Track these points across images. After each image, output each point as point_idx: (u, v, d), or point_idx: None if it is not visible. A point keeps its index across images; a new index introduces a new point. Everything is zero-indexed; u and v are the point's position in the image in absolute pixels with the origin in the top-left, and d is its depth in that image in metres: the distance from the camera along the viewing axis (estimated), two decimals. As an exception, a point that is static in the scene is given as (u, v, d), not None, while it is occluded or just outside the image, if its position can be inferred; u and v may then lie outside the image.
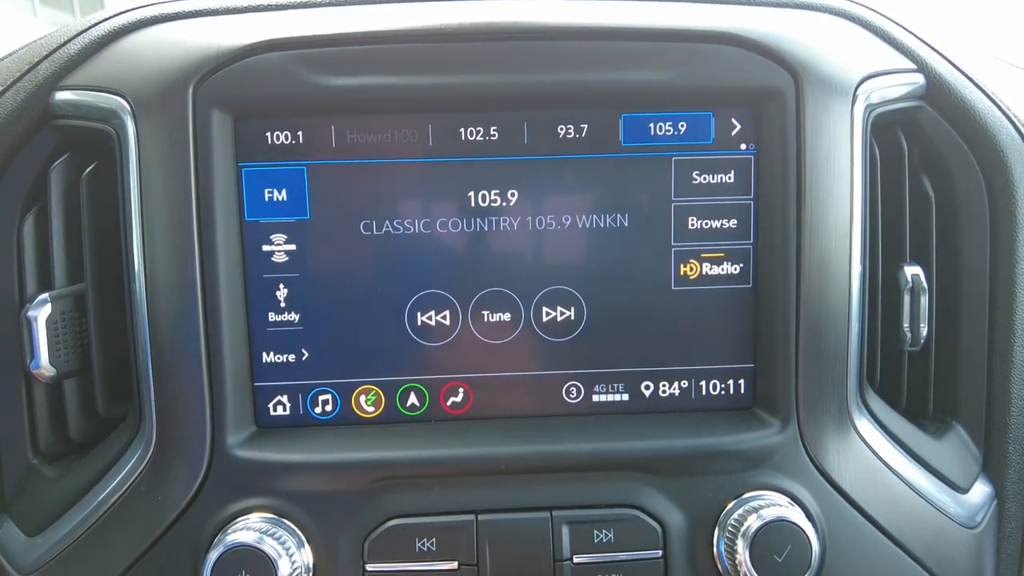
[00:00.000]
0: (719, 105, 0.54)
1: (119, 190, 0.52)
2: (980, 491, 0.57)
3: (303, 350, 0.55)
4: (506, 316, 0.55)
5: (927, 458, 0.56)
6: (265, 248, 0.54)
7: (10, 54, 0.57)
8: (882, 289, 0.57)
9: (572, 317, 0.55)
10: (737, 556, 0.51)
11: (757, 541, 0.50)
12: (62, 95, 0.54)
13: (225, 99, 0.52)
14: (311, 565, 0.52)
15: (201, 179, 0.51)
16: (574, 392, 0.56)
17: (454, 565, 0.52)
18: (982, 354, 0.57)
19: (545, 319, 0.55)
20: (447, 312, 0.55)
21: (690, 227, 0.55)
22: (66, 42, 0.55)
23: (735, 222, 0.55)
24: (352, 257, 0.54)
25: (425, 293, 0.55)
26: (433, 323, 0.55)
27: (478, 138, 0.54)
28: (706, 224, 0.55)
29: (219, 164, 0.52)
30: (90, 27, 0.55)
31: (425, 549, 0.52)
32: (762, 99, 0.53)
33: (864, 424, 0.55)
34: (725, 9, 0.55)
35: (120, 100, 0.52)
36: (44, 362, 0.53)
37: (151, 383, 0.52)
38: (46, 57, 0.54)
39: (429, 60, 0.52)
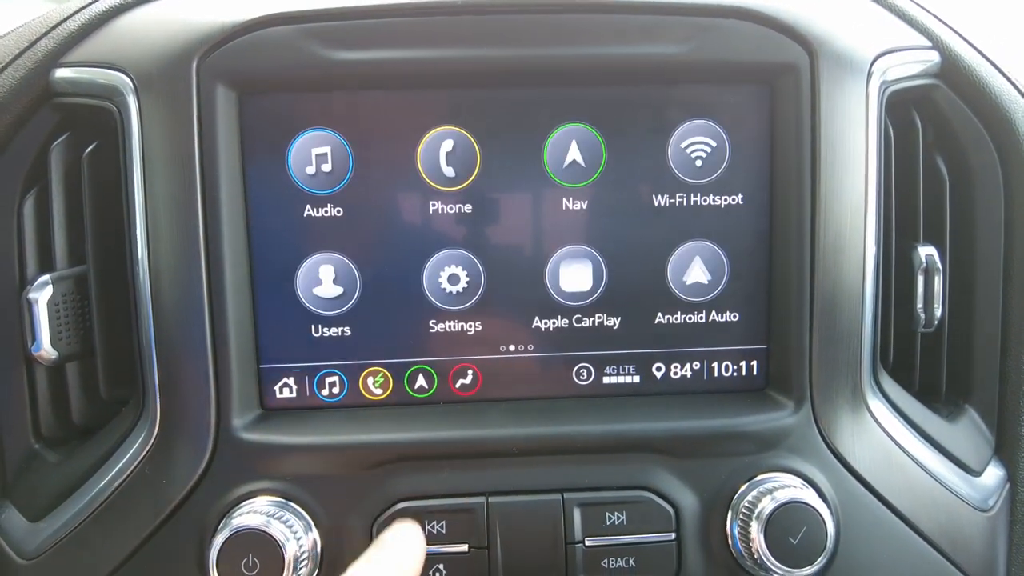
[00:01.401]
0: (734, 80, 0.53)
1: (121, 169, 0.51)
2: (993, 474, 0.57)
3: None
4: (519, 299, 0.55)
5: (940, 440, 0.56)
6: (271, 228, 0.53)
7: (9, 32, 0.56)
8: (896, 270, 0.56)
9: (586, 301, 0.55)
10: (751, 538, 0.50)
11: (771, 523, 0.50)
12: (62, 72, 0.53)
13: (230, 74, 0.50)
14: (319, 549, 0.51)
15: (205, 157, 0.50)
16: (584, 374, 0.56)
17: (464, 548, 0.51)
18: (996, 336, 0.57)
19: (558, 302, 0.55)
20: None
21: None
22: (66, 18, 0.54)
23: (748, 201, 0.55)
24: (360, 237, 0.53)
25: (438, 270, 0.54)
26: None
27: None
28: None
29: (223, 141, 0.51)
30: (91, 3, 0.54)
31: (435, 532, 0.51)
32: (776, 75, 0.53)
33: (878, 406, 0.55)
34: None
35: (122, 76, 0.51)
36: (46, 345, 0.52)
37: (154, 366, 0.51)
38: (45, 34, 0.53)
39: (439, 34, 0.51)
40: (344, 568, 0.45)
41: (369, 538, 0.52)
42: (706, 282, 0.55)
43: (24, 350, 0.53)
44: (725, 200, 0.54)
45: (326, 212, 0.53)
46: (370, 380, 0.55)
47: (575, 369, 0.56)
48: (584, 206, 0.54)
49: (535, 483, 0.52)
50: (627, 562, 0.52)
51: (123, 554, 0.52)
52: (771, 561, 0.50)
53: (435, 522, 0.51)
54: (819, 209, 0.52)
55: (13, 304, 0.53)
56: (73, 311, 0.54)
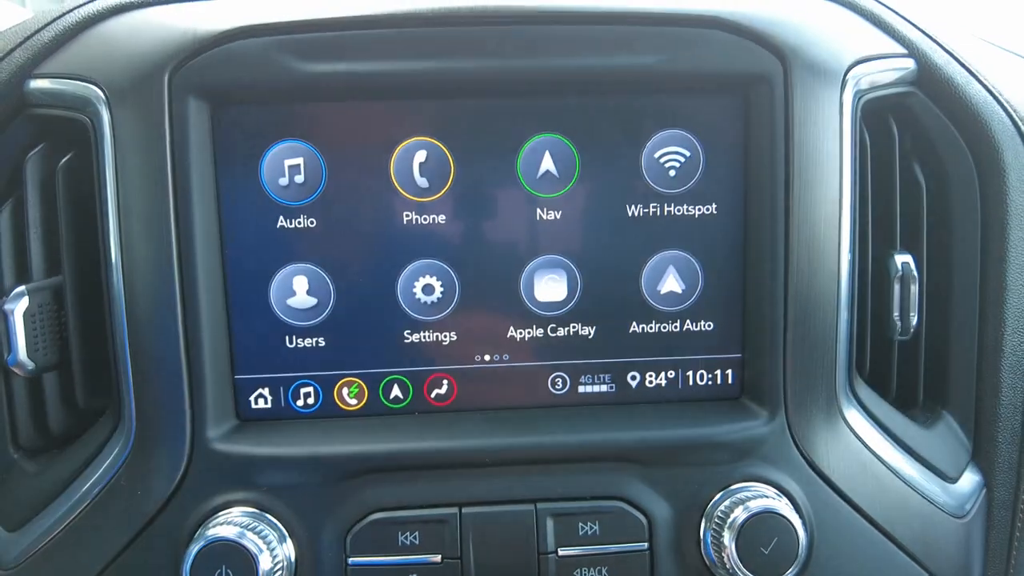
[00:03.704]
0: (707, 90, 0.53)
1: (95, 180, 0.51)
2: (969, 480, 0.57)
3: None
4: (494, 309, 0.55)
5: (916, 448, 0.56)
6: (245, 239, 0.53)
7: (-17, 42, 0.56)
8: (872, 277, 0.56)
9: (560, 310, 0.55)
10: (723, 548, 0.50)
11: (744, 533, 0.50)
12: (36, 83, 0.53)
13: (202, 87, 0.50)
14: (293, 560, 0.52)
15: (178, 169, 0.50)
16: (560, 383, 0.56)
17: (437, 558, 0.52)
18: (972, 343, 0.57)
19: (533, 312, 0.55)
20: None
21: None
22: (40, 29, 0.54)
23: (722, 210, 0.54)
24: (334, 248, 0.53)
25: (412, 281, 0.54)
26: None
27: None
28: None
29: (196, 153, 0.51)
30: (64, 13, 0.54)
31: (408, 543, 0.52)
32: (750, 84, 0.52)
33: (853, 414, 0.55)
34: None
35: (94, 88, 0.51)
36: (22, 356, 0.52)
37: (130, 377, 0.51)
38: (19, 45, 0.53)
39: (412, 46, 0.51)
40: None
41: (343, 549, 0.52)
42: (680, 291, 0.55)
43: (1, 361, 0.53)
44: (699, 210, 0.54)
45: (299, 223, 0.53)
46: (345, 390, 0.55)
47: (550, 378, 0.56)
48: (558, 216, 0.54)
49: (508, 493, 0.52)
50: (600, 572, 0.52)
51: (100, 564, 0.52)
52: (743, 571, 0.50)
53: (408, 533, 0.52)
54: (792, 218, 0.52)
55: (-11, 315, 0.53)
56: (49, 322, 0.54)
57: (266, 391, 0.55)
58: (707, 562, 0.52)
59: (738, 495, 0.52)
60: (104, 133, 0.51)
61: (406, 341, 0.55)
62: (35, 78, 0.53)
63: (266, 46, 0.50)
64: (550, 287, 0.54)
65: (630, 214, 0.54)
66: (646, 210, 0.54)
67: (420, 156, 0.53)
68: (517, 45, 0.51)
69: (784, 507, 0.51)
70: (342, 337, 0.54)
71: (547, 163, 0.53)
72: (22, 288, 0.53)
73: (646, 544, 0.52)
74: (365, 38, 0.51)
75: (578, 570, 0.52)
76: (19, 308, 0.52)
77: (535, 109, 0.53)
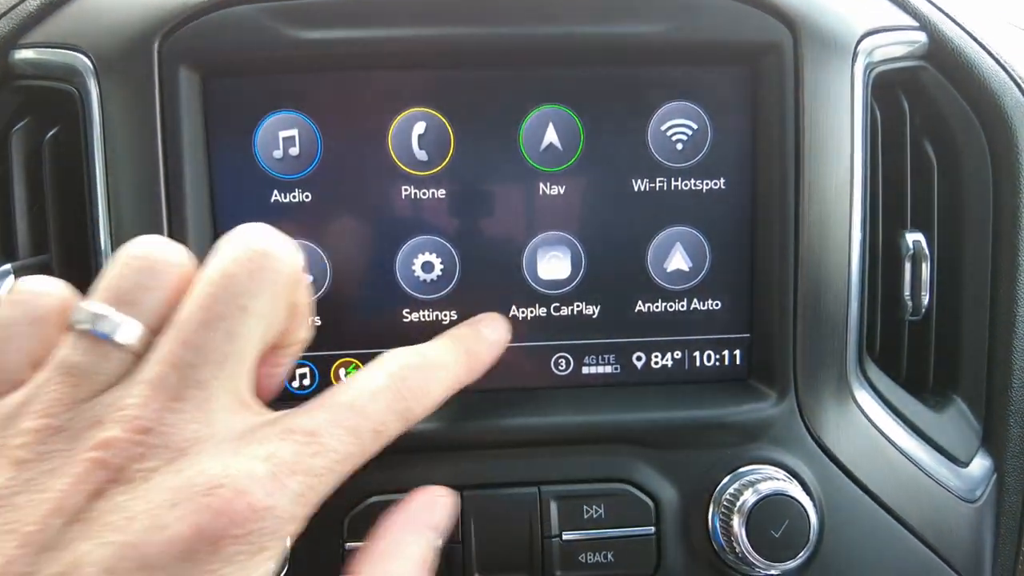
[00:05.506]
0: (715, 60, 0.51)
1: (82, 154, 0.50)
2: (980, 465, 0.56)
3: (279, 321, 0.53)
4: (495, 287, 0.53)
5: (927, 431, 0.55)
6: (238, 214, 0.51)
7: (-33, 13, 0.54)
8: (883, 256, 0.55)
9: (564, 289, 0.53)
10: (732, 531, 0.49)
11: (753, 516, 0.49)
12: (22, 54, 0.51)
13: (193, 56, 0.49)
14: (288, 544, 0.50)
15: (168, 142, 0.49)
16: (563, 364, 0.54)
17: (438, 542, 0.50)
18: (984, 324, 0.56)
19: (535, 290, 0.53)
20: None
21: None
22: (26, -2, 0.52)
23: (730, 186, 0.53)
24: (329, 224, 0.52)
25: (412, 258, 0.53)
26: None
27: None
28: None
29: (187, 125, 0.49)
30: (52, -19, 0.53)
31: (408, 527, 0.50)
32: (758, 54, 0.51)
33: (864, 396, 0.53)
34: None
35: (82, 57, 0.49)
36: (7, 336, 0.51)
37: None
38: (4, 14, 0.52)
39: (410, 12, 0.49)
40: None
41: (341, 534, 0.50)
42: (687, 269, 0.54)
43: (-15, 342, 0.52)
44: (707, 184, 0.53)
45: (294, 197, 0.51)
46: (342, 371, 0.54)
47: (553, 359, 0.54)
48: (562, 191, 0.52)
49: (511, 476, 0.51)
50: (605, 556, 0.51)
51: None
52: (752, 555, 0.49)
53: (408, 516, 0.50)
54: (803, 194, 0.51)
55: (-27, 294, 0.52)
56: (36, 302, 0.52)
57: (260, 372, 0.53)
58: (715, 546, 0.51)
59: (747, 478, 0.50)
60: (92, 105, 0.49)
61: (405, 320, 0.53)
62: (20, 48, 0.51)
63: (257, 13, 0.48)
64: (553, 265, 0.53)
65: (636, 189, 0.53)
66: (652, 185, 0.53)
67: (419, 128, 0.51)
68: (520, 11, 0.49)
69: (795, 489, 0.50)
70: (338, 316, 0.53)
71: (550, 135, 0.52)
72: (7, 266, 0.51)
73: (653, 528, 0.51)
74: (361, 4, 0.49)
75: (583, 554, 0.50)
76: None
77: (538, 79, 0.51)
